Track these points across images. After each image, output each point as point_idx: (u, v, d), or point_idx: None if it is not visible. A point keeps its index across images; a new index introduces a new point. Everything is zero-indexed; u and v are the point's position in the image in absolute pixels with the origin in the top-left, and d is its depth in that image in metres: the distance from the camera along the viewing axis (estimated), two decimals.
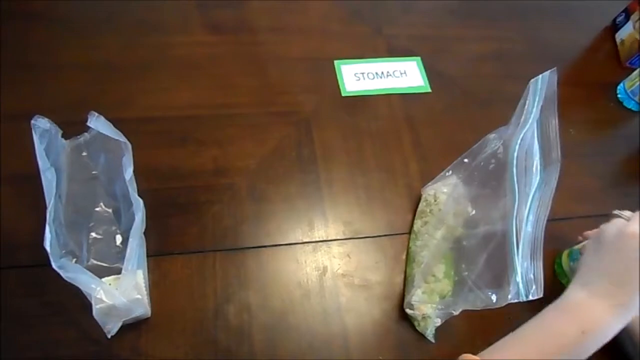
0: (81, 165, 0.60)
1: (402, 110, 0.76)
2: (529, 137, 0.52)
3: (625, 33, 0.88)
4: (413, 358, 0.57)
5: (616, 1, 0.91)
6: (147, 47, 0.76)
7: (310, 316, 0.59)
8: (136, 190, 0.54)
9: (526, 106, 0.52)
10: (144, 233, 0.56)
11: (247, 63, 0.77)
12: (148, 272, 0.57)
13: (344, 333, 0.58)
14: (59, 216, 0.54)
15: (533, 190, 0.50)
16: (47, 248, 0.46)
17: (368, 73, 0.79)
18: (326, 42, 0.82)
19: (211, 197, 0.64)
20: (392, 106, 0.77)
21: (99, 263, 0.56)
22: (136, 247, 0.50)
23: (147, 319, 0.55)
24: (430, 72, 0.81)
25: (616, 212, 0.57)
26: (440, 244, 0.59)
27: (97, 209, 0.59)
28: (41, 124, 0.52)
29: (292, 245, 0.63)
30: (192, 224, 0.62)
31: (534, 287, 0.48)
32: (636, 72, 0.80)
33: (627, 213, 0.56)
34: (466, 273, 0.56)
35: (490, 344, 0.48)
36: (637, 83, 0.80)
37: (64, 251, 0.54)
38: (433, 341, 0.57)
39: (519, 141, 0.52)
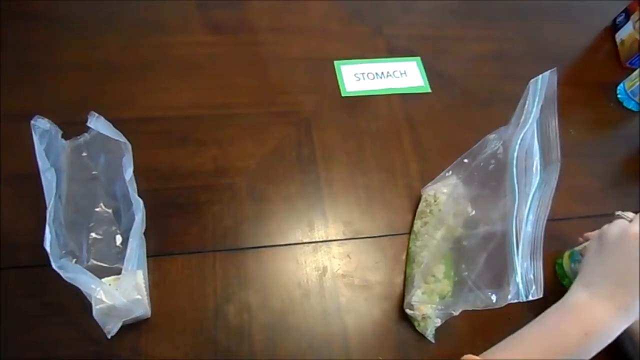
0: (81, 165, 0.60)
1: (402, 110, 0.76)
2: (529, 137, 0.52)
3: (625, 33, 0.88)
4: (413, 358, 0.57)
5: (616, 1, 0.91)
6: (147, 47, 0.76)
7: (310, 316, 0.59)
8: (136, 190, 0.54)
9: (526, 106, 0.52)
10: (144, 233, 0.56)
11: (247, 63, 0.77)
12: (148, 272, 0.57)
13: (344, 333, 0.58)
14: (59, 216, 0.54)
15: (533, 190, 0.50)
16: (47, 248, 0.46)
17: (368, 73, 0.79)
18: (326, 42, 0.82)
19: (211, 197, 0.64)
20: (392, 106, 0.77)
21: (99, 263, 0.56)
22: (136, 247, 0.50)
23: (147, 319, 0.55)
24: (430, 72, 0.81)
25: (618, 212, 0.57)
26: (440, 244, 0.59)
27: (97, 209, 0.59)
28: (41, 124, 0.52)
29: (292, 246, 0.63)
30: (192, 224, 0.62)
31: (533, 287, 0.47)
32: (636, 72, 0.80)
33: (629, 214, 0.56)
34: (466, 273, 0.56)
35: (490, 344, 0.49)
36: (637, 83, 0.80)
37: (64, 251, 0.54)
38: (433, 341, 0.57)
39: (519, 141, 0.52)
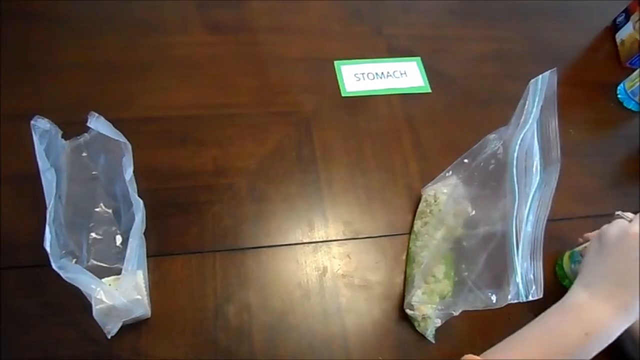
0: (81, 165, 0.60)
1: (402, 110, 0.76)
2: (529, 137, 0.52)
3: (625, 33, 0.88)
4: (413, 358, 0.57)
5: (616, 1, 0.91)
6: (147, 47, 0.76)
7: (310, 316, 0.59)
8: (136, 190, 0.54)
9: (526, 106, 0.52)
10: (144, 233, 0.56)
11: (247, 63, 0.77)
12: (148, 272, 0.57)
13: (344, 333, 0.58)
14: (59, 216, 0.54)
15: (533, 190, 0.50)
16: (47, 248, 0.46)
17: (368, 73, 0.79)
18: (326, 42, 0.82)
19: (211, 197, 0.64)
20: (392, 106, 0.77)
21: (98, 263, 0.56)
22: (136, 247, 0.50)
23: (147, 319, 0.55)
24: (430, 72, 0.81)
25: (618, 212, 0.57)
26: (440, 244, 0.59)
27: (97, 209, 0.59)
28: (41, 125, 0.52)
29: (292, 246, 0.63)
30: (192, 224, 0.62)
31: (533, 287, 0.47)
32: (636, 72, 0.80)
33: (629, 215, 0.56)
34: (466, 273, 0.56)
35: (490, 344, 0.48)
36: (637, 83, 0.80)
37: (64, 251, 0.54)
38: (433, 342, 0.57)
39: (519, 141, 0.52)
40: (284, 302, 0.59)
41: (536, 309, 0.50)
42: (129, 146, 0.54)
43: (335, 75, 0.78)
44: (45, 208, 0.49)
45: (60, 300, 0.55)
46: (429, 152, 0.72)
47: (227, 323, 0.57)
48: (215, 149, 0.68)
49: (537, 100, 0.51)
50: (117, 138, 0.54)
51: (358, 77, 0.78)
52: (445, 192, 0.64)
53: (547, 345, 0.47)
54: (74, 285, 0.46)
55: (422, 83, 0.80)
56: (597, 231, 0.53)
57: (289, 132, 0.71)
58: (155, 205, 0.60)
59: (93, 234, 0.58)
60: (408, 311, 0.58)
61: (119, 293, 0.49)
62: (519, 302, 0.48)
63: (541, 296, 0.47)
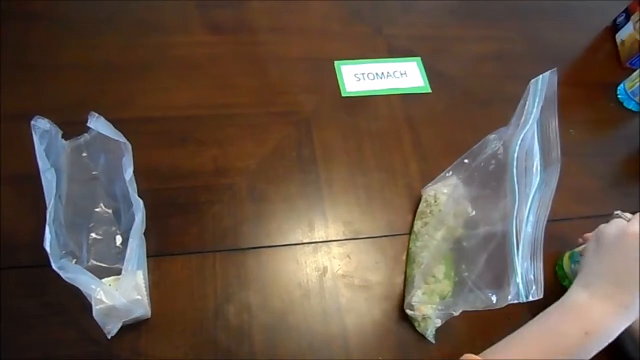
0: (81, 165, 0.60)
1: (402, 110, 0.76)
2: (529, 137, 0.52)
3: (625, 33, 0.88)
4: (413, 358, 0.57)
5: (616, 1, 0.91)
6: (147, 47, 0.76)
7: (310, 316, 0.59)
8: (136, 190, 0.54)
9: (526, 107, 0.52)
10: (144, 233, 0.56)
11: (247, 63, 0.77)
12: (148, 272, 0.57)
13: (344, 333, 0.58)
14: (59, 217, 0.54)
15: (533, 190, 0.50)
16: (47, 248, 0.46)
17: (368, 73, 0.79)
18: (326, 42, 0.82)
19: (211, 197, 0.64)
20: (392, 106, 0.77)
21: (98, 264, 0.56)
22: (136, 247, 0.50)
23: (147, 319, 0.55)
24: (430, 72, 0.81)
25: (618, 212, 0.57)
26: (441, 244, 0.59)
27: (97, 209, 0.59)
28: (41, 125, 0.52)
29: (292, 246, 0.63)
30: (192, 224, 0.62)
31: (534, 287, 0.47)
32: (636, 72, 0.80)
33: (628, 215, 0.56)
34: (466, 274, 0.56)
35: (490, 344, 0.49)
36: (638, 84, 0.80)
37: (64, 252, 0.54)
38: (433, 342, 0.57)
39: (519, 142, 0.52)
40: (284, 302, 0.59)
41: (536, 309, 0.50)
42: (129, 146, 0.54)
43: (335, 75, 0.78)
44: (45, 208, 0.49)
45: (60, 300, 0.55)
46: (429, 152, 0.72)
47: (227, 323, 0.57)
48: (215, 149, 0.68)
49: (537, 100, 0.51)
50: (117, 138, 0.54)
51: (358, 77, 0.78)
52: (445, 192, 0.64)
53: (547, 345, 0.47)
54: (74, 285, 0.46)
55: (422, 83, 0.80)
56: (594, 231, 0.53)
57: (289, 132, 0.71)
58: (155, 205, 0.60)
59: (93, 234, 0.58)
60: (408, 311, 0.58)
61: (119, 293, 0.48)
62: (519, 303, 0.48)
63: (541, 297, 0.47)
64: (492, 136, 0.58)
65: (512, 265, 0.49)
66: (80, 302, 0.49)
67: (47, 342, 0.53)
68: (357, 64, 0.80)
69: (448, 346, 0.58)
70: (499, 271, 0.50)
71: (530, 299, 0.47)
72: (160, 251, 0.60)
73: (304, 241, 0.63)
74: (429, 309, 0.57)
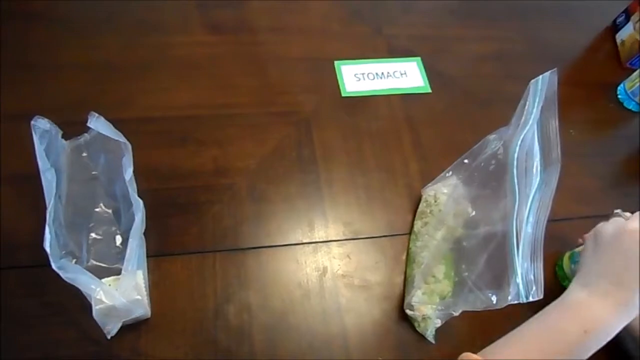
0: (81, 165, 0.60)
1: (402, 110, 0.76)
2: (529, 137, 0.52)
3: (625, 34, 0.88)
4: (413, 359, 0.57)
5: (616, 1, 0.91)
6: (147, 47, 0.76)
7: (310, 316, 0.59)
8: (136, 190, 0.54)
9: (526, 107, 0.52)
10: (144, 233, 0.56)
11: (247, 63, 0.77)
12: (148, 272, 0.57)
13: (344, 333, 0.58)
14: (58, 217, 0.54)
15: (533, 191, 0.50)
16: (47, 249, 0.46)
17: (368, 73, 0.79)
18: (326, 42, 0.82)
19: (211, 197, 0.64)
20: (392, 106, 0.77)
21: (98, 264, 0.56)
22: (136, 247, 0.50)
23: (147, 319, 0.55)
24: (430, 72, 0.81)
25: (617, 211, 0.57)
26: (441, 244, 0.59)
27: (97, 209, 0.59)
28: (41, 125, 0.52)
29: (292, 246, 0.63)
30: (192, 224, 0.62)
31: (534, 288, 0.47)
32: (636, 72, 0.80)
33: (627, 214, 0.56)
34: (466, 274, 0.56)
35: (490, 344, 0.48)
36: (638, 84, 0.80)
37: (63, 252, 0.54)
38: (433, 342, 0.57)
39: (519, 142, 0.52)
40: (284, 302, 0.59)
41: (536, 309, 0.50)
42: (129, 146, 0.54)
43: (335, 75, 0.78)
44: (45, 208, 0.49)
45: (60, 300, 0.55)
46: (429, 152, 0.72)
47: (227, 323, 0.57)
48: (215, 149, 0.68)
49: (537, 100, 0.51)
50: (117, 138, 0.54)
51: (358, 77, 0.78)
52: (445, 193, 0.64)
53: (546, 343, 0.47)
54: (74, 285, 0.46)
55: (422, 83, 0.80)
56: (592, 229, 0.53)
57: (289, 132, 0.71)
58: (155, 205, 0.60)
59: (93, 234, 0.58)
60: (408, 311, 0.58)
61: (119, 293, 0.48)
62: (519, 303, 0.48)
63: (541, 297, 0.47)
64: (492, 136, 0.58)
65: (512, 266, 0.49)
66: (80, 302, 0.49)
67: (47, 342, 0.53)
68: (357, 64, 0.80)
69: (448, 346, 0.58)
70: (499, 271, 0.50)
71: (531, 299, 0.47)
72: (160, 251, 0.60)
73: (304, 241, 0.63)
74: (429, 309, 0.57)
